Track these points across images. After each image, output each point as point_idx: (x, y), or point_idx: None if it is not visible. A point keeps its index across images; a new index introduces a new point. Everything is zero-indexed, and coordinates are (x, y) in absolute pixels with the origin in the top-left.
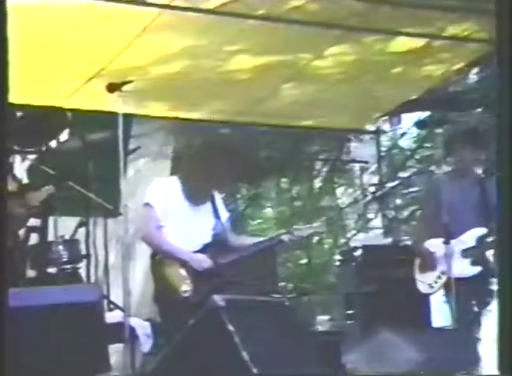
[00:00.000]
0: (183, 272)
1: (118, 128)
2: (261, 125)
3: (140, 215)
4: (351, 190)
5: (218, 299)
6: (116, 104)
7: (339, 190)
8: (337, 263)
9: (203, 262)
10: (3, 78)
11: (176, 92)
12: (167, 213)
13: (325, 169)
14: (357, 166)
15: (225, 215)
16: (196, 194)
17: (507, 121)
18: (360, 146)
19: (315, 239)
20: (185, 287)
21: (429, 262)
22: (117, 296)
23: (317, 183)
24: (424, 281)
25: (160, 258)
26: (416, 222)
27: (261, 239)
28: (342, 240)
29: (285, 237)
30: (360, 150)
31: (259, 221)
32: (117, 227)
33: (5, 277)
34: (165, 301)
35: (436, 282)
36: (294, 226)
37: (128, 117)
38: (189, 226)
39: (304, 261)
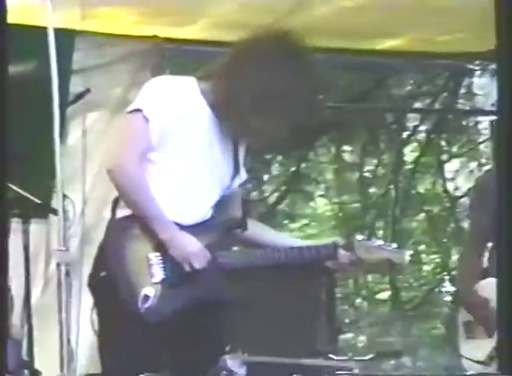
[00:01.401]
0: (153, 261)
1: (49, 56)
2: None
3: (117, 128)
4: (472, 165)
5: (232, 363)
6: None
7: (450, 166)
8: (447, 298)
9: (197, 253)
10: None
11: None
12: (164, 142)
13: (423, 127)
14: (482, 122)
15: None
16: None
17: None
18: (487, 85)
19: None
20: (149, 292)
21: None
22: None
23: (409, 154)
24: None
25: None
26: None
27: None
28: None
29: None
30: (487, 95)
31: (303, 221)
32: (49, 236)
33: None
34: (112, 321)
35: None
36: (359, 237)
37: (68, 34)
38: (189, 179)
39: (384, 294)
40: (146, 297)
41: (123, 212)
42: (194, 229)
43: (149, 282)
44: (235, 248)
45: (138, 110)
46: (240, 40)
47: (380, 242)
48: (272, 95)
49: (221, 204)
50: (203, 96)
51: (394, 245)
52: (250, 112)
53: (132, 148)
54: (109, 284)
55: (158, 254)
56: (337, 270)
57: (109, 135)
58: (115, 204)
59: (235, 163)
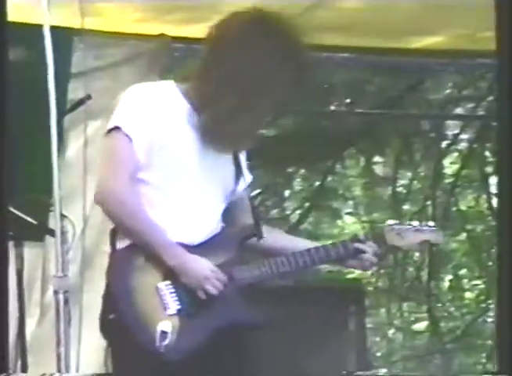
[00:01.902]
0: (165, 291)
1: (45, 57)
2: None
3: (101, 151)
4: None
5: None
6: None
7: (495, 179)
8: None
9: (210, 277)
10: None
11: None
12: (153, 158)
13: (465, 136)
14: None
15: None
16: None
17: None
18: None
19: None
20: (166, 327)
21: None
22: None
23: (449, 166)
24: None
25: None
26: None
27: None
28: None
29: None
30: None
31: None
32: (45, 260)
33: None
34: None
35: None
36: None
37: (66, 33)
38: (188, 192)
39: (421, 325)
40: (164, 333)
41: (123, 243)
42: (205, 246)
43: (164, 316)
44: (253, 261)
45: (118, 128)
46: (212, 30)
47: (415, 223)
48: (257, 84)
49: (229, 213)
50: (185, 99)
51: (431, 223)
52: (238, 105)
53: (119, 172)
54: (121, 326)
55: (168, 282)
56: (365, 267)
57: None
58: (113, 235)
59: (235, 163)
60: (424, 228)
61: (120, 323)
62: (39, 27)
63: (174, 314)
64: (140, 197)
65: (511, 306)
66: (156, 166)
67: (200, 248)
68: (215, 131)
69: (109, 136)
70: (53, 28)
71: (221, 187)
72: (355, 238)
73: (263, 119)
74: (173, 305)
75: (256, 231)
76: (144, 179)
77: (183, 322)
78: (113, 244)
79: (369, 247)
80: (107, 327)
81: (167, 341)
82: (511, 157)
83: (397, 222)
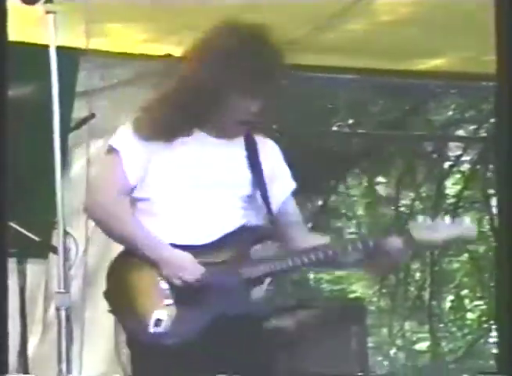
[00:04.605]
0: (162, 284)
1: (50, 77)
2: (333, 71)
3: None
4: None
5: None
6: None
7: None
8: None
9: (186, 266)
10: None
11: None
12: (151, 176)
13: (467, 157)
14: None
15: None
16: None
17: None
18: None
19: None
20: (161, 315)
21: None
22: None
23: (452, 186)
24: None
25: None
26: None
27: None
28: None
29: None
30: None
31: None
32: (48, 277)
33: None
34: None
35: None
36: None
37: (71, 53)
38: (192, 202)
39: (423, 345)
40: (159, 321)
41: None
42: (212, 245)
43: (161, 305)
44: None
45: (113, 148)
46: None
47: (446, 219)
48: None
49: (278, 227)
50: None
51: (468, 220)
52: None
53: (106, 187)
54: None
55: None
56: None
57: None
58: None
59: (252, 168)
60: (456, 223)
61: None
62: (45, 47)
63: (170, 304)
64: (127, 208)
65: (511, 308)
66: (156, 184)
67: (206, 247)
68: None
69: (105, 154)
70: (59, 48)
71: (231, 192)
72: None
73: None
74: (169, 297)
75: (272, 233)
76: (142, 197)
77: (180, 311)
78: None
79: (393, 243)
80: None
81: (161, 328)
82: (511, 177)
83: (427, 217)
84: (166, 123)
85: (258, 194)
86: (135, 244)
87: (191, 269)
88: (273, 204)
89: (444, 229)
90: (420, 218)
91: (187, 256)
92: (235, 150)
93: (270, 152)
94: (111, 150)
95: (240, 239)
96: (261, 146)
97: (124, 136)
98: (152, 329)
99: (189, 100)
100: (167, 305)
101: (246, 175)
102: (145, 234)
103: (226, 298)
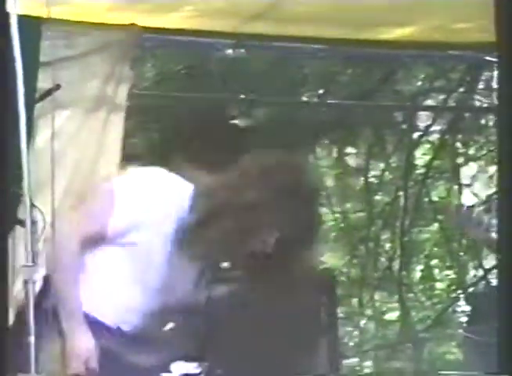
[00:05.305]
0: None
1: (11, 45)
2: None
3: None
4: (491, 170)
5: None
6: None
7: (466, 170)
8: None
9: (83, 356)
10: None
11: None
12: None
13: (436, 127)
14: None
15: None
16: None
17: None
18: None
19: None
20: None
21: None
22: None
23: (421, 157)
24: None
25: None
26: None
27: None
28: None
29: None
30: None
31: None
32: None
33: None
34: None
35: None
36: None
37: (33, 22)
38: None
39: (393, 315)
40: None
41: None
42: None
43: None
44: None
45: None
46: None
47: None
48: None
49: None
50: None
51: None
52: None
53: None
54: None
55: None
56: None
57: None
58: None
59: None
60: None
61: None
62: (6, 15)
63: None
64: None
65: (511, 306)
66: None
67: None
68: None
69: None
70: (20, 17)
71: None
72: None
73: None
74: None
75: None
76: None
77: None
78: None
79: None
80: None
81: None
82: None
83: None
84: None
85: None
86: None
87: (83, 359)
88: None
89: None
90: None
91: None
92: None
93: None
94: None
95: None
96: None
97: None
98: None
99: None
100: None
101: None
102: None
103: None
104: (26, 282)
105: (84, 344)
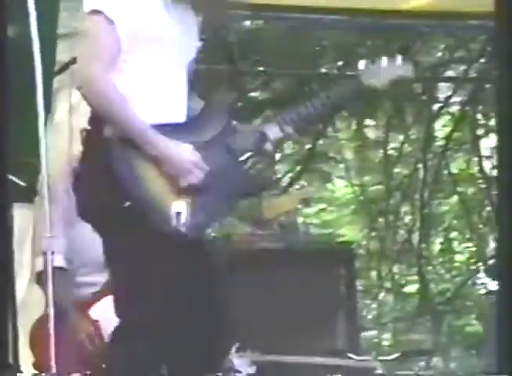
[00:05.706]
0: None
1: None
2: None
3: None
4: None
5: (239, 363)
6: None
7: (486, 142)
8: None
9: (190, 168)
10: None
11: None
12: (135, 48)
13: (457, 99)
14: None
15: None
16: None
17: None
18: None
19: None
20: (179, 208)
21: None
22: None
23: (440, 128)
24: None
25: None
26: None
27: None
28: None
29: None
30: None
31: (320, 206)
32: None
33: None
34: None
35: None
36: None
37: None
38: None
39: (412, 287)
40: (178, 214)
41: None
42: (190, 125)
43: (175, 196)
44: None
45: (98, 12)
46: None
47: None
48: None
49: None
50: None
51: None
52: None
53: (98, 59)
54: (136, 213)
55: None
56: None
57: None
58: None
59: None
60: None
61: (137, 208)
62: None
63: (185, 189)
64: (117, 80)
65: (511, 306)
66: (138, 55)
67: (187, 126)
68: None
69: (89, 18)
70: None
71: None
72: None
73: None
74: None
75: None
76: (124, 59)
77: (194, 199)
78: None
79: None
80: (120, 215)
81: (183, 220)
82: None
83: (369, 61)
84: None
85: None
86: (131, 134)
87: (195, 169)
88: None
89: (383, 71)
90: (362, 63)
91: (189, 152)
92: None
93: None
94: (97, 13)
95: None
96: None
97: None
98: (175, 223)
99: None
100: (182, 188)
101: None
102: (142, 126)
103: (228, 178)
104: (45, 253)
105: (185, 154)
